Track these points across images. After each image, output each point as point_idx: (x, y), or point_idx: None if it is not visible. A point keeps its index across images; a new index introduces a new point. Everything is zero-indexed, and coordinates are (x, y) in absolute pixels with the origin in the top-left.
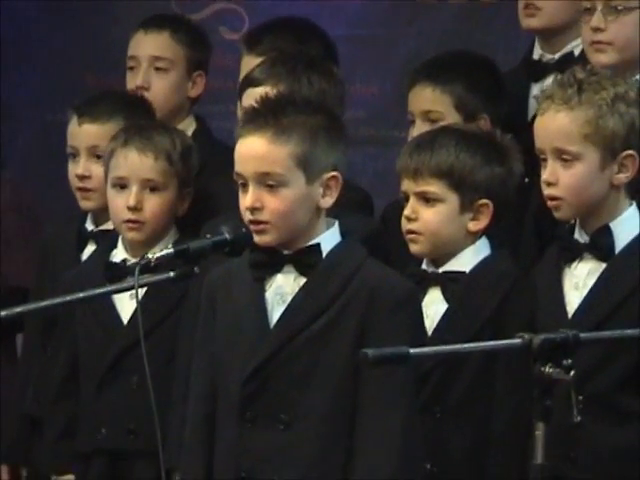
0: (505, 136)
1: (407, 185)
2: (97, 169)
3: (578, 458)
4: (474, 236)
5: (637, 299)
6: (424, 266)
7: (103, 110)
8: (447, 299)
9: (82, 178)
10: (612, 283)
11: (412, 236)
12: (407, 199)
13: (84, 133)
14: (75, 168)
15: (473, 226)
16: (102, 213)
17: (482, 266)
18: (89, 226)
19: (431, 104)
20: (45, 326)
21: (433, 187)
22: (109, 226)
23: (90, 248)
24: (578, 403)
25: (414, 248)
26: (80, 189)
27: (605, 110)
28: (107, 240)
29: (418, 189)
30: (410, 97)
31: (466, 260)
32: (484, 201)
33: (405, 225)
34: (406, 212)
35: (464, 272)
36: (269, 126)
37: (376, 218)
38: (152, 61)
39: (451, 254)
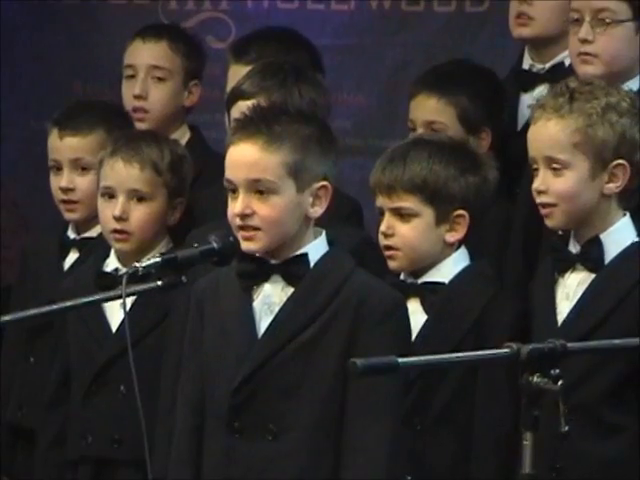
0: (483, 146)
1: (382, 201)
2: (81, 181)
3: (564, 469)
4: (452, 247)
5: (625, 310)
6: (402, 277)
7: (84, 122)
8: (426, 310)
9: (66, 191)
10: (600, 294)
11: (390, 252)
12: (382, 214)
13: (66, 146)
14: (58, 181)
15: (450, 237)
16: (84, 222)
17: (461, 276)
18: (71, 234)
19: (435, 115)
20: (28, 334)
21: (407, 203)
22: (91, 233)
23: (73, 256)
24: (566, 413)
25: (392, 264)
26: (64, 201)
27: (595, 119)
28: (100, 250)
29: (393, 205)
30: (413, 106)
31: (445, 271)
32: (460, 212)
33: (382, 241)
34: (382, 228)
35: (443, 283)
36: (261, 134)
37: (366, 228)
38: (150, 70)
39: (430, 265)
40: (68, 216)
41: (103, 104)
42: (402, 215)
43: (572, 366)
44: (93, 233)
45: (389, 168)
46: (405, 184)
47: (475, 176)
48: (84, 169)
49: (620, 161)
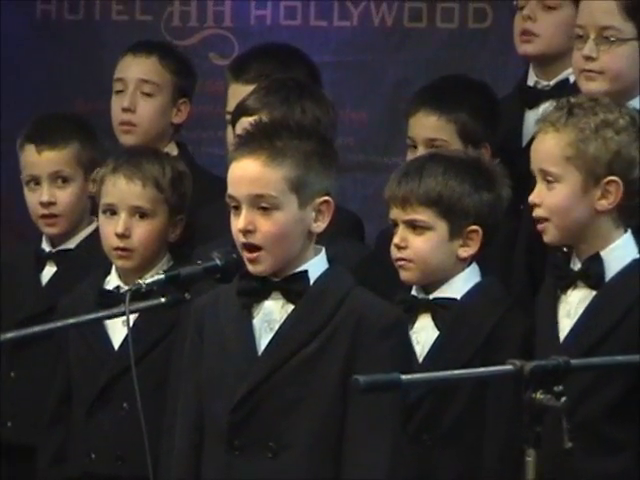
0: (493, 161)
1: (396, 213)
2: (61, 194)
3: None
4: (464, 262)
5: (625, 327)
6: (414, 292)
7: (60, 136)
8: (438, 326)
9: (47, 205)
10: (600, 311)
11: (402, 263)
12: (396, 226)
13: (45, 161)
14: (37, 196)
15: (463, 252)
16: (61, 235)
17: (473, 293)
18: (46, 247)
19: (436, 132)
20: (9, 349)
21: (422, 216)
22: (68, 245)
23: (49, 269)
24: (569, 429)
25: (404, 275)
26: (45, 216)
27: (588, 134)
28: (100, 267)
29: (407, 217)
30: (412, 123)
31: (457, 287)
32: (473, 227)
33: (395, 253)
34: (395, 240)
35: (455, 299)
36: (263, 149)
37: (368, 244)
38: (139, 84)
39: (442, 281)
40: (49, 231)
41: (70, 116)
42: (416, 228)
43: (573, 383)
44: (70, 245)
45: (405, 181)
46: (420, 197)
47: (489, 192)
48: (64, 181)
49: (613, 178)
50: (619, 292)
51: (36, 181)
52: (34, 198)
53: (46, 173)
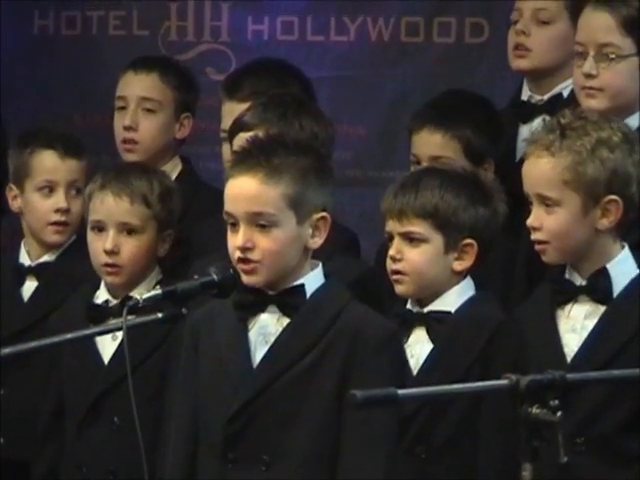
0: (489, 176)
1: (392, 225)
2: (73, 203)
3: None
4: (459, 276)
5: (638, 342)
6: (409, 306)
7: (81, 148)
8: (432, 339)
9: (64, 212)
10: (613, 326)
11: (397, 277)
12: (391, 239)
13: (67, 168)
14: (51, 202)
15: (458, 266)
16: (37, 247)
17: (467, 306)
18: (25, 261)
19: (441, 150)
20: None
21: (418, 227)
22: (47, 258)
23: (30, 284)
24: (568, 444)
25: (399, 289)
26: (58, 223)
27: (585, 156)
28: (89, 282)
29: (403, 229)
30: (416, 140)
31: (451, 300)
32: (469, 241)
33: (390, 265)
34: (391, 252)
35: (449, 312)
36: (261, 167)
37: (365, 260)
38: (141, 102)
39: (436, 294)
40: (56, 239)
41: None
42: (411, 240)
43: (589, 398)
44: (48, 258)
45: (401, 193)
46: (416, 209)
47: (485, 207)
48: (77, 192)
49: (612, 197)
50: (630, 307)
51: (51, 187)
52: (47, 204)
53: (66, 180)
